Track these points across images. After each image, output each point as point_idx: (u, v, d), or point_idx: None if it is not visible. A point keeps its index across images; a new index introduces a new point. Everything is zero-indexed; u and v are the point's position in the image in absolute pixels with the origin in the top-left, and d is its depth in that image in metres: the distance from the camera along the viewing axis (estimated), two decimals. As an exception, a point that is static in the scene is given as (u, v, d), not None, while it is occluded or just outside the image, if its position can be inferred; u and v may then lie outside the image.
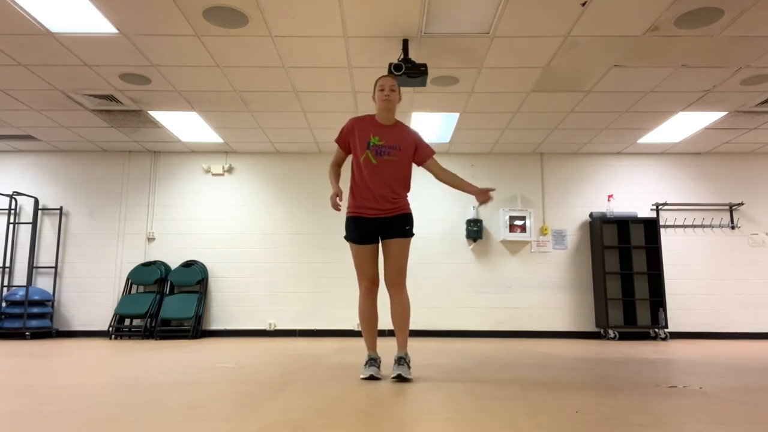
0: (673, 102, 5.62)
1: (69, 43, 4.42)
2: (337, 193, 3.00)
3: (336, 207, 2.99)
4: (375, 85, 3.11)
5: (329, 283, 7.15)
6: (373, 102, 3.11)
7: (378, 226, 3.05)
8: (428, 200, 7.36)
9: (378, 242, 3.09)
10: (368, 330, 3.10)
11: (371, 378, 2.92)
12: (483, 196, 2.99)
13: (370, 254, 3.07)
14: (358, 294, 3.12)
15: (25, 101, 5.66)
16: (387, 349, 5.01)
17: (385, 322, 7.01)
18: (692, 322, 7.07)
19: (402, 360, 2.96)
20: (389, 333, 7.01)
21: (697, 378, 3.04)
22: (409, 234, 3.08)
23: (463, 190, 3.12)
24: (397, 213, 3.06)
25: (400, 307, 3.03)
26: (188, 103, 5.73)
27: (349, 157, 3.18)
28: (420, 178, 7.42)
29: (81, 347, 5.24)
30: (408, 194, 3.15)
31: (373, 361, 3.03)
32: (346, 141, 3.13)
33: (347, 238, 3.10)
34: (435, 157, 3.41)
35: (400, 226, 3.04)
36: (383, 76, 3.09)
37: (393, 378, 2.88)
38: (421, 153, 3.13)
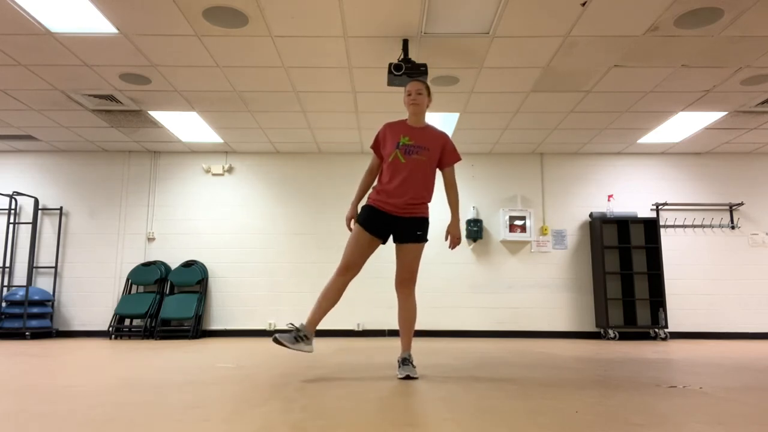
0: (673, 102, 5.63)
1: (69, 43, 4.42)
2: (353, 216, 3.16)
3: (348, 224, 3.18)
4: (405, 91, 3.20)
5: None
6: (405, 106, 3.24)
7: (392, 224, 3.10)
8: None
9: (382, 239, 3.12)
10: (323, 306, 3.03)
11: (276, 342, 2.88)
12: (452, 238, 3.17)
13: (367, 243, 3.08)
14: (333, 274, 3.09)
15: (25, 101, 5.66)
16: (388, 349, 5.02)
17: (382, 322, 7.01)
18: (692, 322, 7.07)
19: (407, 360, 3.07)
20: (389, 333, 7.02)
21: (697, 378, 3.04)
22: (422, 240, 3.12)
23: (451, 217, 3.22)
24: (414, 215, 3.10)
25: (409, 311, 3.14)
26: (188, 103, 5.73)
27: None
28: (420, 178, 7.42)
29: (81, 347, 5.24)
30: (429, 201, 3.18)
31: (298, 331, 2.95)
32: (379, 146, 3.23)
33: (358, 220, 3.11)
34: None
35: (413, 231, 3.09)
36: (411, 81, 3.18)
37: (400, 378, 2.96)
38: (447, 156, 3.19)
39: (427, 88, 3.17)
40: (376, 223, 3.07)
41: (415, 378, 2.99)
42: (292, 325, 3.04)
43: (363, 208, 3.15)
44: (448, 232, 3.19)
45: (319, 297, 3.07)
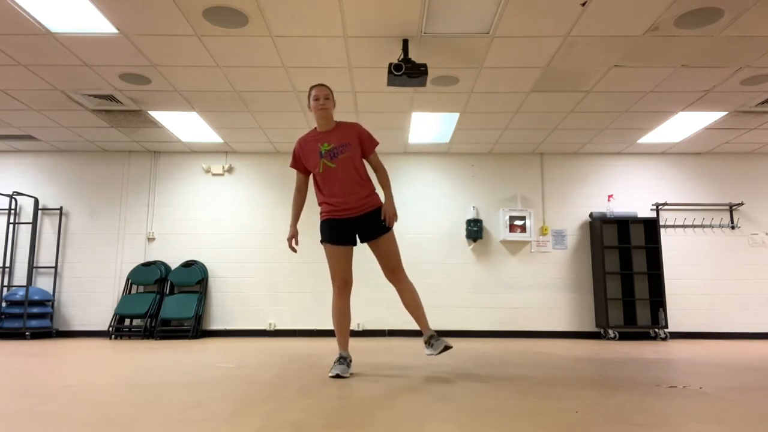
0: (673, 102, 5.63)
1: (69, 43, 4.42)
2: (293, 236, 3.19)
3: (292, 249, 3.16)
4: (309, 95, 3.18)
5: (329, 283, 7.15)
6: (309, 110, 3.24)
7: (353, 227, 3.16)
8: (428, 200, 7.36)
9: (352, 243, 3.19)
10: (340, 329, 3.18)
11: (338, 377, 2.99)
12: (387, 216, 3.16)
13: (344, 255, 3.15)
14: (332, 294, 3.19)
15: (25, 101, 5.66)
16: (389, 349, 5.01)
17: (382, 322, 7.01)
18: (692, 322, 7.07)
19: (434, 337, 3.17)
20: (389, 333, 7.02)
21: (697, 378, 3.04)
22: (389, 228, 3.17)
23: (384, 195, 3.24)
24: (369, 210, 3.15)
25: (409, 295, 3.21)
26: (188, 103, 5.73)
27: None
28: (420, 179, 7.42)
29: (81, 347, 5.24)
30: (374, 189, 3.23)
31: (343, 359, 3.11)
32: (299, 163, 3.25)
33: (322, 240, 3.20)
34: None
35: (376, 223, 3.15)
36: (316, 86, 3.16)
37: (438, 353, 3.09)
38: (366, 145, 3.22)
39: (331, 91, 3.21)
40: (339, 234, 3.13)
41: (451, 347, 3.11)
42: (341, 360, 3.10)
43: (321, 225, 3.20)
44: (383, 211, 3.19)
45: (335, 322, 3.18)
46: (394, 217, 3.18)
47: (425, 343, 3.20)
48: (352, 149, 3.13)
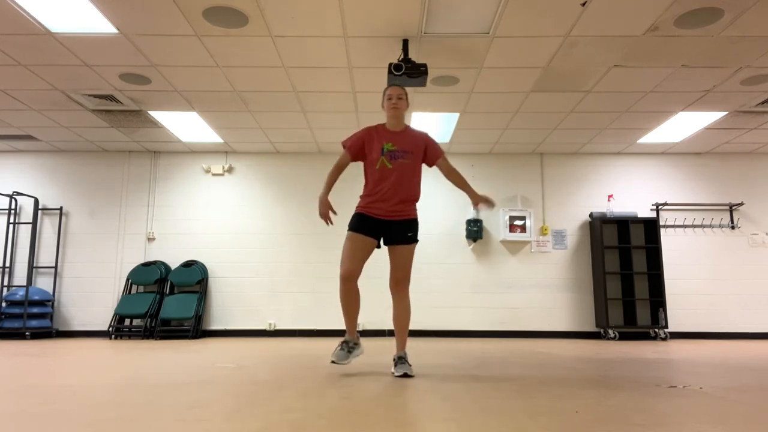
0: (673, 102, 5.63)
1: (69, 43, 4.42)
2: (328, 207, 3.10)
3: (326, 218, 3.09)
4: (383, 94, 3.24)
5: (329, 283, 7.15)
6: (382, 109, 3.32)
7: (383, 227, 3.16)
8: (428, 200, 7.36)
9: (376, 241, 3.18)
10: (347, 313, 3.16)
11: (333, 363, 3.08)
12: (485, 202, 3.20)
13: (364, 247, 3.13)
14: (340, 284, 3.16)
15: (25, 101, 5.66)
16: (389, 349, 5.02)
17: (382, 322, 7.01)
18: (692, 322, 7.07)
19: (403, 359, 3.13)
20: (389, 333, 7.01)
21: (697, 378, 3.04)
22: (413, 240, 3.19)
23: (468, 194, 3.29)
24: (404, 218, 3.16)
25: (403, 310, 3.20)
26: (188, 103, 5.73)
27: (354, 166, 3.31)
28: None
29: (81, 347, 5.24)
30: (417, 201, 3.25)
31: (345, 344, 3.12)
32: (359, 146, 3.21)
33: (350, 227, 3.17)
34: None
35: (404, 232, 3.15)
36: (391, 86, 3.23)
37: (397, 376, 3.01)
38: (430, 154, 3.26)
39: (406, 93, 3.24)
40: (368, 227, 3.13)
41: (412, 376, 3.03)
42: (343, 345, 3.13)
43: (353, 216, 3.20)
44: (477, 201, 3.20)
45: (342, 306, 3.18)
46: (488, 202, 3.19)
47: (394, 360, 3.15)
48: (413, 158, 3.16)
